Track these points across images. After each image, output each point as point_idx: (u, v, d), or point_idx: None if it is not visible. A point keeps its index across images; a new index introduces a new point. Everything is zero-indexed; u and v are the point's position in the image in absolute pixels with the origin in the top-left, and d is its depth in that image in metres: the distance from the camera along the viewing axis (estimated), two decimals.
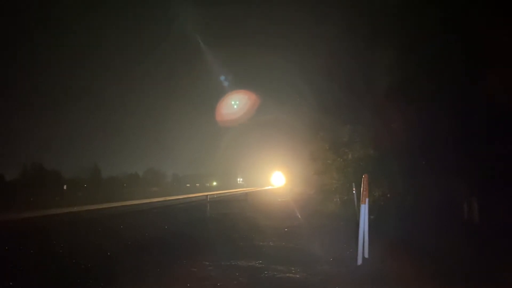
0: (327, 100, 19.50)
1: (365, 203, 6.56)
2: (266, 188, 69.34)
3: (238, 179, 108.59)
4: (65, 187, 43.36)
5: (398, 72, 13.85)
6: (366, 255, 6.76)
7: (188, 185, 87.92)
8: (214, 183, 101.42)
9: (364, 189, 6.58)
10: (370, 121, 15.54)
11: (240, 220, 14.86)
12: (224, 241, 10.01)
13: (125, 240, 10.18)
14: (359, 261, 6.59)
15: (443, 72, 12.16)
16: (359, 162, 14.81)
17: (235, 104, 53.39)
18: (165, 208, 23.31)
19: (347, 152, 15.24)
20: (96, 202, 29.76)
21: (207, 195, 20.16)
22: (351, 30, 16.07)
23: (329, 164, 16.04)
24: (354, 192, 13.36)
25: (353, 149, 15.27)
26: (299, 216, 16.02)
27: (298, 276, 6.25)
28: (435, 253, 7.68)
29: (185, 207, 24.22)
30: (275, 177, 64.27)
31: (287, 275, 6.30)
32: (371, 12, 15.12)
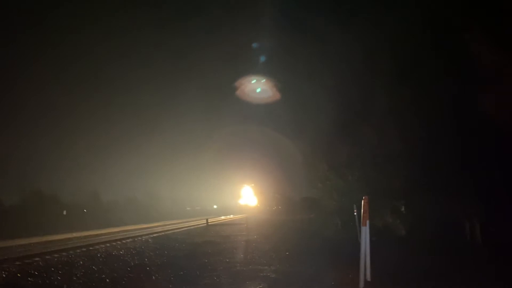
0: (326, 122, 19.58)
1: (365, 225, 6.48)
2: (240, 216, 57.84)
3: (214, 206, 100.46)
4: (64, 212, 43.07)
5: (396, 95, 13.95)
6: (369, 278, 6.64)
7: (189, 208, 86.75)
8: (215, 206, 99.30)
9: (365, 211, 6.52)
10: (370, 143, 15.56)
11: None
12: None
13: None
14: (361, 285, 6.47)
15: (441, 93, 12.24)
16: (360, 183, 14.75)
17: None
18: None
19: (347, 173, 15.19)
20: (95, 228, 29.59)
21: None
22: (349, 54, 16.27)
23: (328, 185, 15.97)
24: (355, 213, 13.25)
25: (353, 170, 15.23)
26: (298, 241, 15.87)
27: None
28: (438, 276, 7.57)
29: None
30: (245, 194, 56.14)
31: None
32: (369, 39, 15.31)
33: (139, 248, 14.70)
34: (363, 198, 6.55)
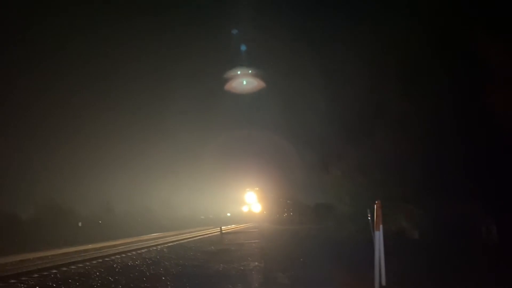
0: (338, 126, 19.54)
1: (379, 230, 6.46)
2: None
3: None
4: (80, 223, 43.48)
5: (408, 98, 13.94)
6: (384, 283, 6.61)
7: (203, 217, 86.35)
8: (228, 214, 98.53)
9: (377, 216, 6.50)
10: (382, 147, 15.51)
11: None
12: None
13: None
14: None
15: (453, 97, 12.22)
16: (373, 188, 14.69)
17: None
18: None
19: (360, 178, 15.13)
20: (111, 238, 29.81)
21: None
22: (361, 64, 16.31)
23: (341, 190, 15.91)
24: (369, 218, 13.16)
25: (366, 175, 15.17)
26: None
27: None
28: (455, 279, 7.49)
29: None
30: (248, 200, 51.10)
31: None
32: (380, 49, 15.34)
33: (154, 258, 14.79)
34: (376, 202, 6.54)
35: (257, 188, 47.79)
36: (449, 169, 12.27)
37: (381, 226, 6.50)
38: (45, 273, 11.99)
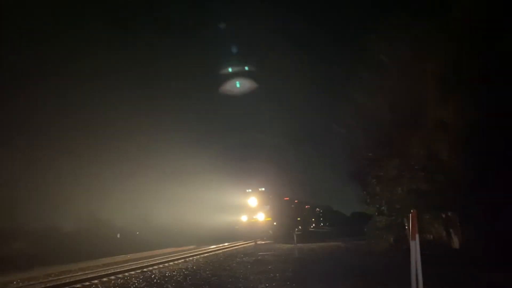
0: (374, 134, 19.24)
1: (415, 239, 6.34)
2: None
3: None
4: (118, 235, 44.49)
5: (447, 104, 13.64)
6: None
7: (237, 227, 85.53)
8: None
9: (413, 225, 6.39)
10: (419, 154, 15.19)
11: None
12: None
13: None
14: None
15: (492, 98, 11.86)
16: (410, 196, 14.34)
17: None
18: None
19: (396, 186, 14.83)
20: (148, 249, 30.34)
21: None
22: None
23: (377, 199, 15.63)
24: (406, 227, 12.91)
25: (402, 183, 14.84)
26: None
27: None
28: None
29: None
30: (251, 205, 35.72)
31: None
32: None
33: (191, 268, 14.95)
34: (411, 212, 6.44)
35: (263, 189, 35.87)
36: (495, 174, 11.84)
37: (417, 235, 6.38)
38: (86, 284, 12.37)
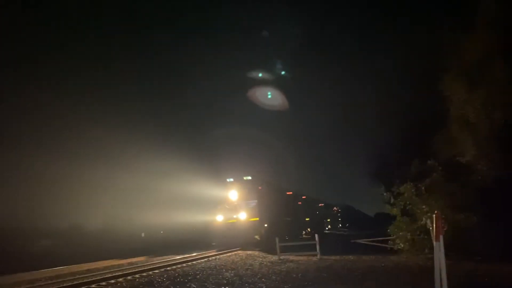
0: (396, 135, 19.15)
1: (439, 240, 6.31)
2: None
3: None
4: (143, 234, 45.17)
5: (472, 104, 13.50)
6: None
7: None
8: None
9: (437, 226, 6.37)
10: (443, 153, 15.04)
11: None
12: None
13: None
14: None
15: None
16: (434, 197, 14.15)
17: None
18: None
19: (420, 187, 14.65)
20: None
21: None
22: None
23: (401, 200, 15.47)
24: (430, 228, 12.76)
25: (427, 183, 14.64)
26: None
27: None
28: None
29: None
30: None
31: None
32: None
33: (213, 267, 15.09)
34: (435, 213, 6.43)
35: (249, 178, 26.35)
36: None
37: (441, 236, 6.35)
38: (112, 281, 12.64)
